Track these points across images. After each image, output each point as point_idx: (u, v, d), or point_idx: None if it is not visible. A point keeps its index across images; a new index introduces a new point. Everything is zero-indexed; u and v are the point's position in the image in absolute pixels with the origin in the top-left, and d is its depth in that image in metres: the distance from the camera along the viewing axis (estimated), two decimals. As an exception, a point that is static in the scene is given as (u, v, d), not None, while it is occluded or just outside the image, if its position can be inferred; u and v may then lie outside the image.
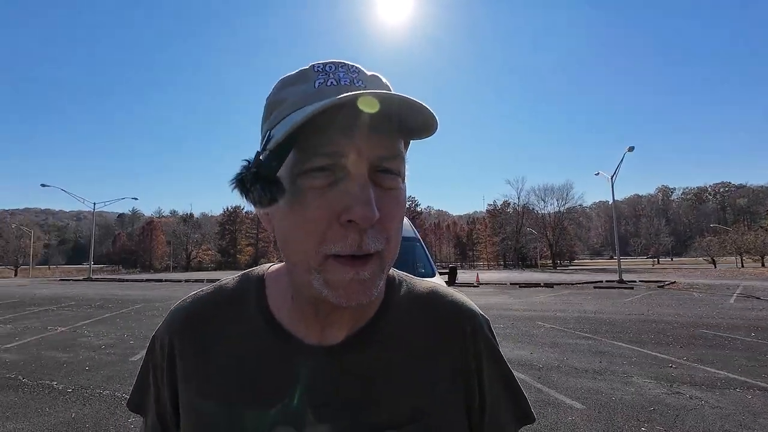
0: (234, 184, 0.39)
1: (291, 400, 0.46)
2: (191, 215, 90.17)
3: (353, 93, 0.36)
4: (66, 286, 24.37)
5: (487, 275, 34.06)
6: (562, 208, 67.81)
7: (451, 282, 6.08)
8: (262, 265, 0.58)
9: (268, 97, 0.47)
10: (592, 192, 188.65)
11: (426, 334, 0.51)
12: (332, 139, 0.39)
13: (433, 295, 0.55)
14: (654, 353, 5.95)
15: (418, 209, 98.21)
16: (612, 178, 23.50)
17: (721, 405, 3.87)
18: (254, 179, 0.39)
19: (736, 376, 4.75)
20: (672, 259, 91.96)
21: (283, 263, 0.52)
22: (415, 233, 5.92)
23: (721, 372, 4.95)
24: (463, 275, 30.09)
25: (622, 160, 22.60)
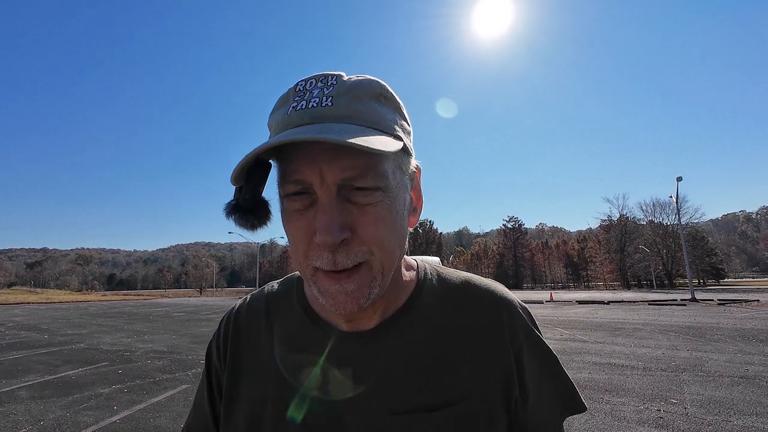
0: (225, 214, 0.45)
1: (328, 382, 0.49)
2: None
3: (291, 138, 0.38)
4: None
5: (570, 295, 34.75)
6: (674, 222, 61.86)
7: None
8: None
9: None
10: (715, 204, 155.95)
11: (460, 320, 0.52)
12: (297, 167, 0.42)
13: (467, 283, 0.56)
14: (568, 332, 10.69)
15: (522, 228, 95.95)
16: (677, 202, 25.04)
17: (590, 343, 9.10)
18: (233, 210, 0.44)
19: (611, 339, 9.50)
20: None
21: None
22: None
23: (591, 338, 9.69)
24: (547, 295, 32.57)
25: (677, 190, 24.14)
